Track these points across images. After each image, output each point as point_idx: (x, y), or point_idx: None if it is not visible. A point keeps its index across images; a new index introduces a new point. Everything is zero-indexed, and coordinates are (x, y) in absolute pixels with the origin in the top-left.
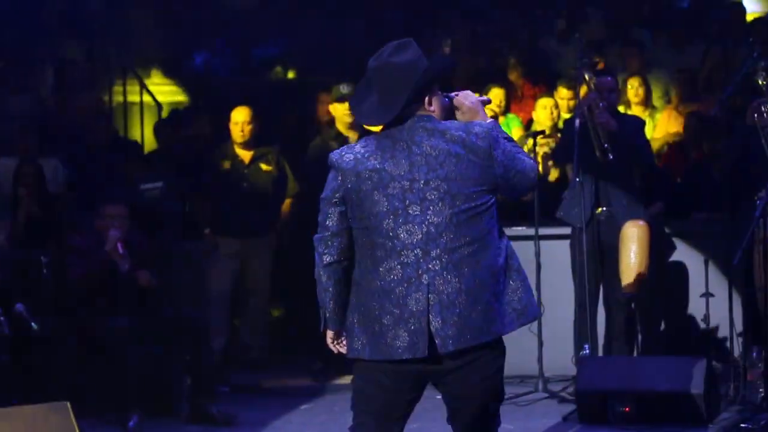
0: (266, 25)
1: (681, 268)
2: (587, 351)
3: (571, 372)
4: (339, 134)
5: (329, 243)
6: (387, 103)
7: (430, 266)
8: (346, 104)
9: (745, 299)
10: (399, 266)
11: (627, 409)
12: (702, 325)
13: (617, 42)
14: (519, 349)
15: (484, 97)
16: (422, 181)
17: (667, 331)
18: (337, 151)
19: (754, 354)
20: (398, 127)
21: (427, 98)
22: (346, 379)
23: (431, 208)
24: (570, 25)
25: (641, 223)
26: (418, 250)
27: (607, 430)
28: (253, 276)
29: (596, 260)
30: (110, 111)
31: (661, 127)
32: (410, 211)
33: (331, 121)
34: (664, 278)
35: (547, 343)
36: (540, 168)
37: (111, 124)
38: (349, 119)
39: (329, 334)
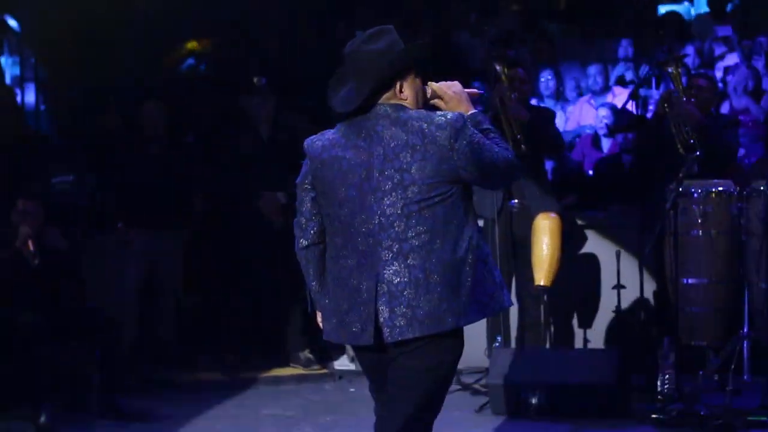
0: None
1: (593, 260)
2: (500, 343)
3: (484, 364)
4: (252, 127)
5: (303, 227)
6: (356, 91)
7: (381, 256)
8: (259, 96)
9: (656, 290)
10: (354, 254)
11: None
12: (614, 317)
13: (530, 35)
14: None
15: (473, 90)
16: (377, 171)
17: (579, 323)
18: (310, 137)
19: (665, 345)
20: (366, 115)
21: (398, 85)
22: (258, 373)
23: (385, 198)
24: (482, 17)
25: (553, 215)
26: (371, 239)
27: (520, 422)
28: (165, 269)
29: (508, 252)
30: (21, 106)
31: (573, 119)
32: (365, 201)
33: (244, 112)
34: (576, 270)
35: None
36: None
37: (21, 118)
38: (260, 111)
39: (318, 315)
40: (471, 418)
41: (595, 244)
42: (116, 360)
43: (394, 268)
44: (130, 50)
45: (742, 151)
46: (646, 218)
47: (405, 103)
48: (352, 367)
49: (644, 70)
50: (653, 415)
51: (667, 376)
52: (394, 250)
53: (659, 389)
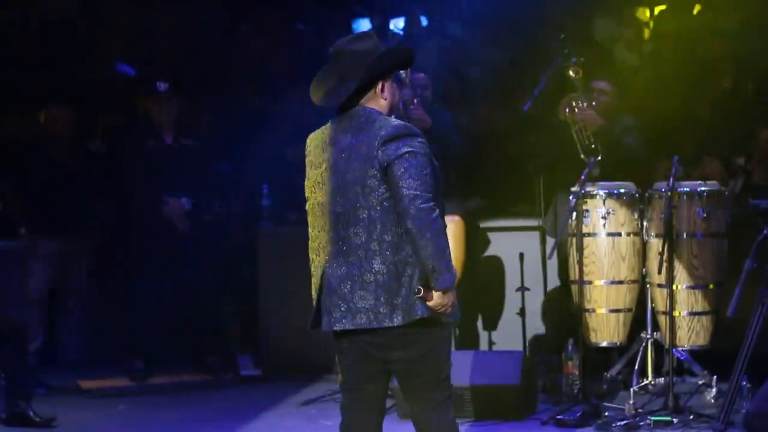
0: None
1: (497, 262)
2: None
3: None
4: (155, 131)
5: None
6: (339, 89)
7: (328, 250)
8: (162, 101)
9: (559, 292)
10: (314, 246)
11: None
12: (518, 319)
13: (434, 37)
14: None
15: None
16: (330, 171)
17: (484, 325)
18: (316, 131)
19: (570, 347)
20: (343, 115)
21: (379, 85)
22: (165, 379)
23: (333, 198)
24: (385, 21)
25: (455, 218)
26: (323, 234)
27: None
28: (72, 276)
29: None
30: None
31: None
32: (319, 198)
33: (148, 118)
34: (480, 272)
35: None
36: None
37: None
38: (163, 116)
39: None
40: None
41: (498, 246)
42: (21, 367)
43: (335, 262)
44: (35, 53)
45: None
46: (550, 221)
47: (383, 104)
48: (258, 372)
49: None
50: (558, 416)
51: (571, 377)
52: (336, 246)
53: (564, 390)
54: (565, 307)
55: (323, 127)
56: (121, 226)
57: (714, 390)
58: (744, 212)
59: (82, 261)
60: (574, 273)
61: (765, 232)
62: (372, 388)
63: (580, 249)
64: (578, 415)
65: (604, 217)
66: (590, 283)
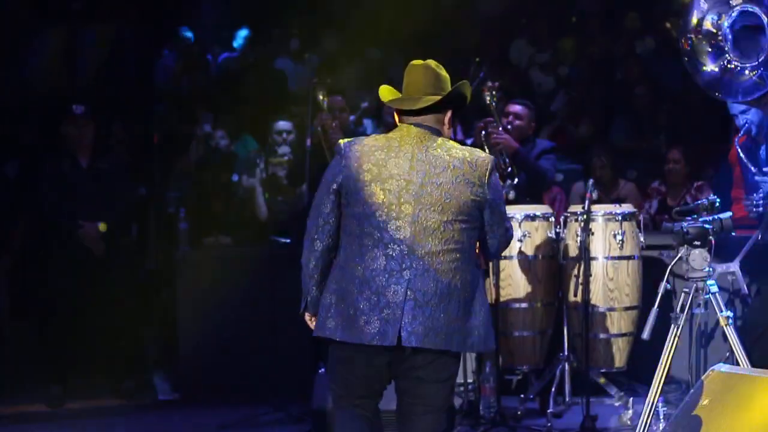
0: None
1: None
2: (323, 369)
3: None
4: (72, 154)
5: (321, 228)
6: (426, 98)
7: (413, 264)
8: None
9: None
10: (384, 257)
11: None
12: None
13: (354, 61)
14: (255, 371)
15: None
16: (419, 184)
17: None
18: (347, 140)
19: (487, 369)
20: (409, 130)
21: (449, 113)
22: (83, 404)
23: (423, 210)
24: (304, 45)
25: None
26: (405, 246)
27: None
28: None
29: None
30: None
31: None
32: (403, 209)
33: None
34: None
35: (287, 362)
36: None
37: None
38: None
39: (307, 316)
40: None
41: None
42: None
43: (424, 278)
44: None
45: (560, 177)
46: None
47: (446, 133)
48: (175, 396)
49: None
50: None
51: (489, 399)
52: (426, 261)
53: (481, 413)
54: None
55: (373, 138)
56: (37, 249)
57: (630, 411)
58: (661, 233)
59: None
60: (490, 296)
61: (679, 254)
62: (374, 404)
63: (497, 272)
64: None
65: (520, 240)
66: (507, 305)
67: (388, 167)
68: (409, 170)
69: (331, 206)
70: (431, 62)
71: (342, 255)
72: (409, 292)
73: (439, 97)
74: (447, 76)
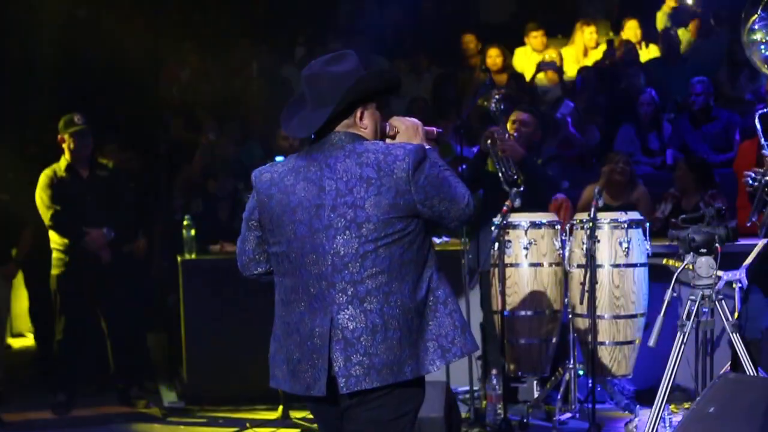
0: None
1: None
2: None
3: None
4: (70, 165)
5: (248, 267)
6: (313, 115)
7: (335, 299)
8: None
9: (482, 323)
10: (305, 297)
11: None
12: None
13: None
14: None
15: (433, 128)
16: (329, 207)
17: None
18: (259, 168)
19: (493, 377)
20: (318, 145)
21: (359, 112)
22: (89, 411)
23: (338, 237)
24: (309, 53)
25: None
26: (324, 281)
27: None
28: None
29: None
30: None
31: None
32: (316, 240)
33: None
34: None
35: None
36: None
37: None
38: (76, 149)
39: None
40: None
41: None
42: None
43: (349, 312)
44: None
45: (566, 184)
46: (472, 251)
47: (363, 133)
48: (181, 404)
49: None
50: None
51: (495, 407)
52: (349, 293)
53: (487, 421)
54: (487, 338)
55: (284, 162)
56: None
57: (636, 419)
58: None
59: (3, 293)
60: (496, 303)
61: (685, 262)
62: None
63: (503, 279)
64: None
65: (526, 248)
66: (513, 313)
67: (296, 193)
68: (318, 192)
69: (255, 243)
70: (316, 63)
71: (276, 299)
72: (335, 332)
73: (323, 118)
74: (341, 71)
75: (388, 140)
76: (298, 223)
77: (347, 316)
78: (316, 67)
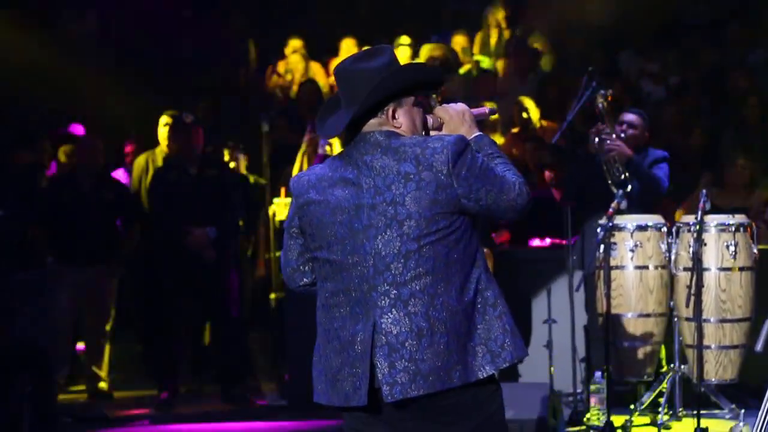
0: None
1: (524, 295)
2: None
3: None
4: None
5: (292, 278)
6: (343, 115)
7: (378, 302)
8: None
9: (586, 325)
10: (348, 302)
11: None
12: (544, 351)
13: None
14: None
15: (481, 109)
16: (369, 206)
17: None
18: (298, 173)
19: (597, 380)
20: (354, 144)
21: (390, 110)
22: (192, 409)
23: (378, 236)
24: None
25: (484, 250)
26: (366, 284)
27: None
28: (96, 304)
29: None
30: None
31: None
32: (357, 241)
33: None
34: (507, 304)
35: None
36: None
37: None
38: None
39: None
40: None
41: (526, 278)
42: (48, 396)
43: (392, 316)
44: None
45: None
46: (577, 253)
47: (398, 131)
48: (284, 402)
49: (575, 105)
50: None
51: (598, 410)
52: (392, 295)
53: (590, 424)
54: (592, 340)
55: (322, 165)
56: (146, 257)
57: (742, 425)
58: None
59: (106, 289)
60: (601, 306)
61: None
62: None
63: (608, 282)
64: None
65: (632, 250)
66: (617, 316)
67: (335, 194)
68: (356, 191)
69: (297, 252)
70: (348, 59)
71: (317, 306)
72: (378, 337)
73: (348, 118)
74: (371, 67)
75: (434, 132)
76: (337, 224)
77: (390, 320)
78: (347, 64)
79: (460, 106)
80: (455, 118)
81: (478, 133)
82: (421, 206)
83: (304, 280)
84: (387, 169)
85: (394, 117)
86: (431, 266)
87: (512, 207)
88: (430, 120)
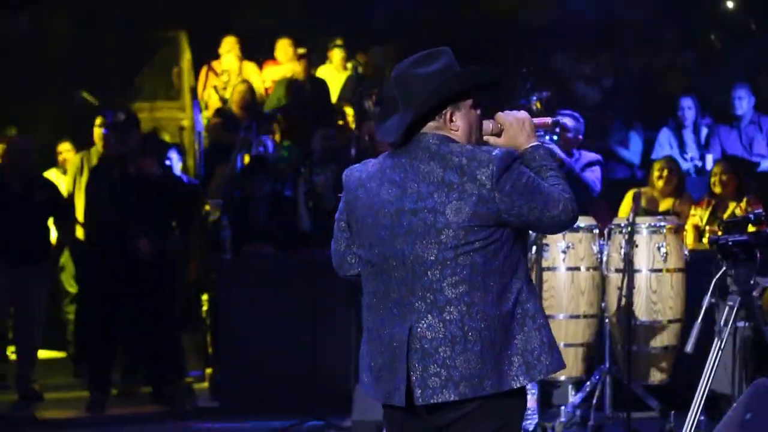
0: None
1: None
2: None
3: None
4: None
5: (341, 267)
6: (399, 119)
7: (415, 307)
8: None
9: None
10: (387, 304)
11: None
12: None
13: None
14: (295, 380)
15: (543, 119)
16: (410, 211)
17: None
18: (351, 167)
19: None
20: (405, 146)
21: (448, 113)
22: (124, 410)
23: (417, 242)
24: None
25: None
26: (404, 288)
27: None
28: (26, 306)
29: None
30: None
31: None
32: (396, 244)
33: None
34: None
35: (327, 372)
36: None
37: None
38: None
39: None
40: None
41: None
42: None
43: (427, 321)
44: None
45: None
46: None
47: (455, 135)
48: (215, 404)
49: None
50: None
51: (528, 411)
52: (428, 301)
53: (521, 425)
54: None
55: (375, 161)
56: (79, 259)
57: (672, 425)
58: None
59: (37, 290)
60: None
61: (724, 268)
62: None
63: (540, 283)
64: None
65: (563, 251)
66: (549, 317)
67: (381, 196)
68: (401, 195)
69: (345, 245)
70: (405, 63)
71: (363, 302)
72: (413, 341)
73: (405, 123)
74: (429, 71)
75: (493, 138)
76: (381, 226)
77: (426, 326)
78: (404, 68)
79: (522, 114)
80: (515, 125)
81: (535, 143)
82: (460, 217)
83: (352, 271)
84: (432, 176)
85: (451, 120)
86: (468, 275)
87: (555, 224)
88: (490, 125)
